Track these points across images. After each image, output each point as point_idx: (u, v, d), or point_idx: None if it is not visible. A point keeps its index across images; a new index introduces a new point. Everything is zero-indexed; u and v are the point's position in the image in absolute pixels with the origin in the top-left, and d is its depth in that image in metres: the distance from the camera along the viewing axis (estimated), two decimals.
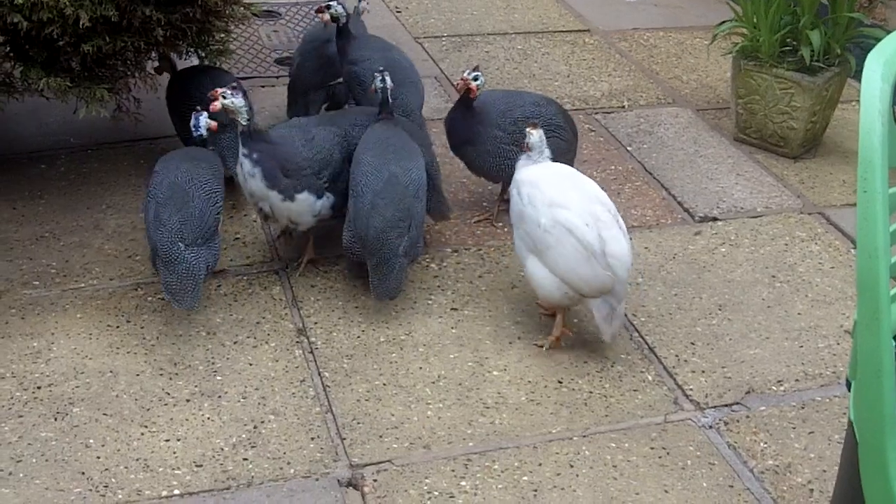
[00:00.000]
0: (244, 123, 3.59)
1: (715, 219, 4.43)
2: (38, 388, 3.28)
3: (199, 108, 3.72)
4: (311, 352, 3.51)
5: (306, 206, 3.73)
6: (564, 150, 4.13)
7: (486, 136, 4.05)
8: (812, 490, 3.09)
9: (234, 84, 3.63)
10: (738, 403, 3.43)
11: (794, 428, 3.33)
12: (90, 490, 2.92)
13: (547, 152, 3.62)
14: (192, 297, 3.43)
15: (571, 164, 4.03)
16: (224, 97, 3.55)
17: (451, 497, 2.98)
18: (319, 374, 3.42)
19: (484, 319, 3.72)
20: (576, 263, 3.37)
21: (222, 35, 4.30)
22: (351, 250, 3.70)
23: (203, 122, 3.70)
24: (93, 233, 4.05)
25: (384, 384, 3.39)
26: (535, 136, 3.58)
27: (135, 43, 3.86)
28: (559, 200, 3.41)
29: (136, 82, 4.17)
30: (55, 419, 3.16)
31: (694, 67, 5.82)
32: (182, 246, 3.44)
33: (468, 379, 3.44)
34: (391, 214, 3.61)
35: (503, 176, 4.10)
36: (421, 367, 3.47)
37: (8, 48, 3.73)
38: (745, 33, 4.94)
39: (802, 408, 3.41)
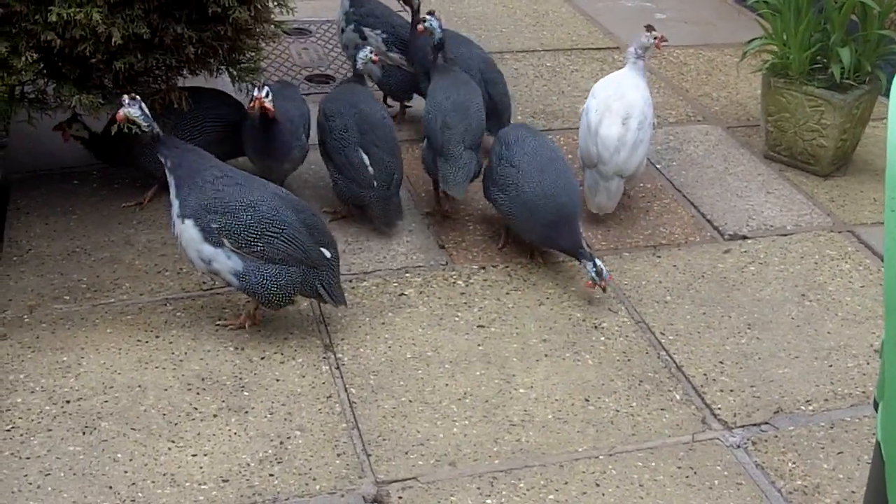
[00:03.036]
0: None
1: (744, 237, 4.40)
2: (68, 402, 3.31)
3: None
4: (338, 368, 3.52)
5: None
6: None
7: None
8: None
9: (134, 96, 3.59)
10: (766, 423, 3.40)
11: (822, 448, 3.30)
12: None
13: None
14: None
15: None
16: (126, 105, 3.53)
17: None
18: (346, 390, 3.42)
19: (511, 337, 3.72)
20: (580, 134, 4.43)
21: (253, 53, 4.33)
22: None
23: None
24: (123, 248, 4.09)
25: (410, 401, 3.39)
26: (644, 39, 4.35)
27: (166, 60, 3.89)
28: (594, 92, 4.43)
29: (168, 99, 4.20)
30: (83, 433, 3.18)
31: (724, 85, 5.81)
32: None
33: (494, 396, 3.44)
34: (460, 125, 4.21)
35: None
36: (447, 384, 3.47)
37: (41, 65, 3.77)
38: (775, 51, 4.92)
39: (832, 428, 3.38)
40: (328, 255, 3.57)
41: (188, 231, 3.48)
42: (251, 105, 3.98)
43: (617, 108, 4.27)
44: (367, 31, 4.98)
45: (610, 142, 4.24)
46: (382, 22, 5.00)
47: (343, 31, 5.06)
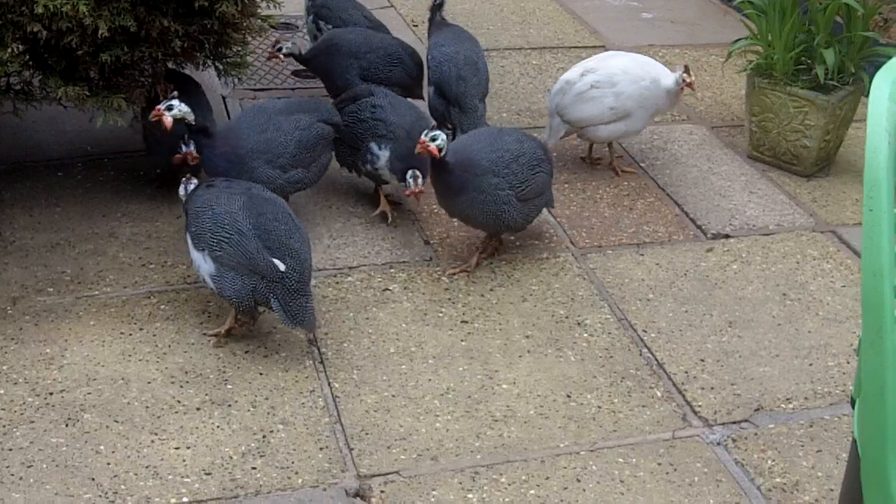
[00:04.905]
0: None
1: (727, 236, 4.43)
2: (51, 394, 3.31)
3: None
4: (322, 362, 3.53)
5: None
6: (545, 182, 4.17)
7: (481, 185, 3.94)
8: None
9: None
10: (746, 421, 3.43)
11: (802, 446, 3.32)
12: (100, 496, 2.94)
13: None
14: None
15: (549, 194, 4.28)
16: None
17: None
18: (329, 385, 3.43)
19: (494, 333, 3.74)
20: None
21: (239, 47, 4.33)
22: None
23: None
24: (108, 241, 4.08)
25: (393, 395, 3.41)
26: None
27: (153, 53, 3.89)
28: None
29: (153, 92, 4.20)
30: (66, 425, 3.19)
31: (709, 85, 5.83)
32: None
33: (477, 392, 3.45)
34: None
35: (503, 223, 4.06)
36: (430, 379, 3.49)
37: (27, 57, 3.77)
38: (760, 51, 4.95)
39: (811, 426, 3.41)
40: (281, 267, 3.39)
41: (188, 239, 3.56)
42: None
43: (589, 64, 4.74)
44: (321, 23, 5.08)
45: (559, 83, 4.71)
46: (334, 16, 5.08)
47: (306, 21, 5.22)
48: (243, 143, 3.94)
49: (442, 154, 3.78)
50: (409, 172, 3.99)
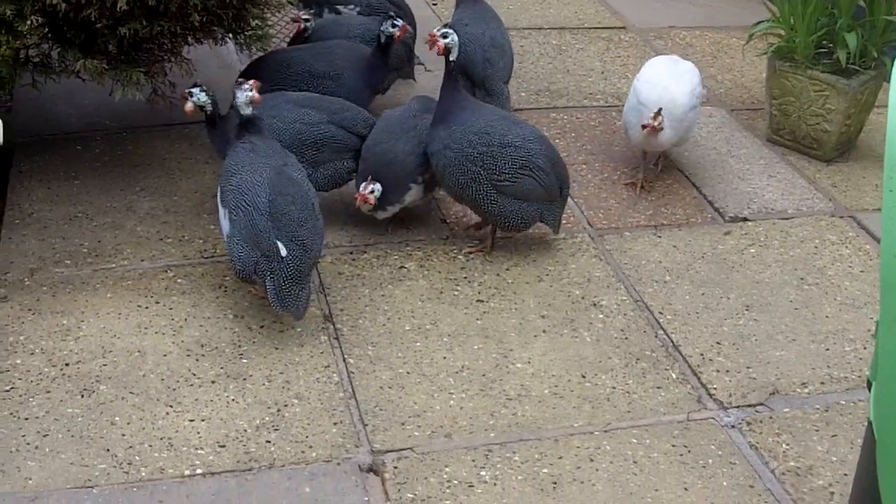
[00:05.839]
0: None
1: (745, 219, 4.41)
2: (67, 364, 3.32)
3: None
4: (337, 338, 3.54)
5: None
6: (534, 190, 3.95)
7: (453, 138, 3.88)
8: (833, 493, 3.08)
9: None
10: (761, 404, 3.42)
11: (817, 431, 3.31)
12: (114, 467, 2.96)
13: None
14: None
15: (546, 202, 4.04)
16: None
17: (470, 486, 2.99)
18: (344, 361, 3.44)
19: (510, 312, 3.73)
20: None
21: (258, 22, 4.32)
22: None
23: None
24: (125, 214, 4.10)
25: (408, 372, 3.41)
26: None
27: (171, 27, 3.88)
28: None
29: (172, 67, 4.20)
30: (82, 396, 3.20)
31: (729, 67, 5.80)
32: None
33: (492, 370, 3.45)
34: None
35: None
36: (445, 357, 3.49)
37: (46, 29, 3.77)
38: (782, 34, 4.91)
39: (826, 411, 3.40)
40: (283, 252, 3.39)
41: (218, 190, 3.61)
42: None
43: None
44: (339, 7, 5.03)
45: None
46: None
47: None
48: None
49: (450, 58, 3.85)
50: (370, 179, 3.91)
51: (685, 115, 4.38)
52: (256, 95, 3.59)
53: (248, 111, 3.61)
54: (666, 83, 4.39)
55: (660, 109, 4.26)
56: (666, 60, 4.66)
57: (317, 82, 4.36)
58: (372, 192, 3.89)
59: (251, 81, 3.61)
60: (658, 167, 4.66)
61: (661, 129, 4.27)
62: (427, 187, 4.04)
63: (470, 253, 4.02)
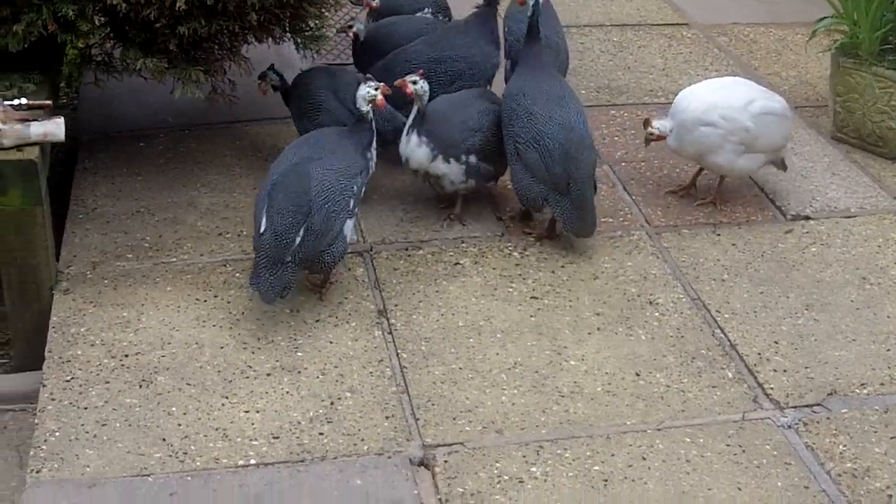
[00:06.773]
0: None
1: (807, 217, 4.34)
2: (126, 356, 3.39)
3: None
4: (391, 333, 3.56)
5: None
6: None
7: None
8: (891, 496, 3.02)
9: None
10: (819, 405, 3.36)
11: (875, 432, 3.25)
12: (170, 456, 3.01)
13: None
14: None
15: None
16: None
17: (520, 482, 2.99)
18: (397, 355, 3.46)
19: (564, 309, 3.72)
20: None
21: (316, 21, 4.36)
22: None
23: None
24: (186, 210, 4.16)
25: (460, 368, 3.42)
26: None
27: (230, 27, 3.93)
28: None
29: (231, 65, 4.26)
30: (140, 386, 3.26)
31: (794, 64, 5.71)
32: None
33: (545, 367, 3.45)
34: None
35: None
36: (498, 353, 3.49)
37: (108, 29, 3.85)
38: (846, 30, 4.83)
39: (886, 412, 3.33)
40: (261, 229, 3.46)
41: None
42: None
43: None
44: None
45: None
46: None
47: None
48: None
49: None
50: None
51: (694, 126, 4.18)
52: (381, 97, 3.67)
53: (364, 108, 3.68)
54: (695, 91, 4.31)
55: (648, 118, 4.29)
56: (734, 80, 4.59)
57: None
58: (415, 81, 3.93)
59: (381, 84, 3.68)
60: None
61: (653, 138, 4.28)
62: (471, 171, 4.07)
63: (528, 233, 4.10)
